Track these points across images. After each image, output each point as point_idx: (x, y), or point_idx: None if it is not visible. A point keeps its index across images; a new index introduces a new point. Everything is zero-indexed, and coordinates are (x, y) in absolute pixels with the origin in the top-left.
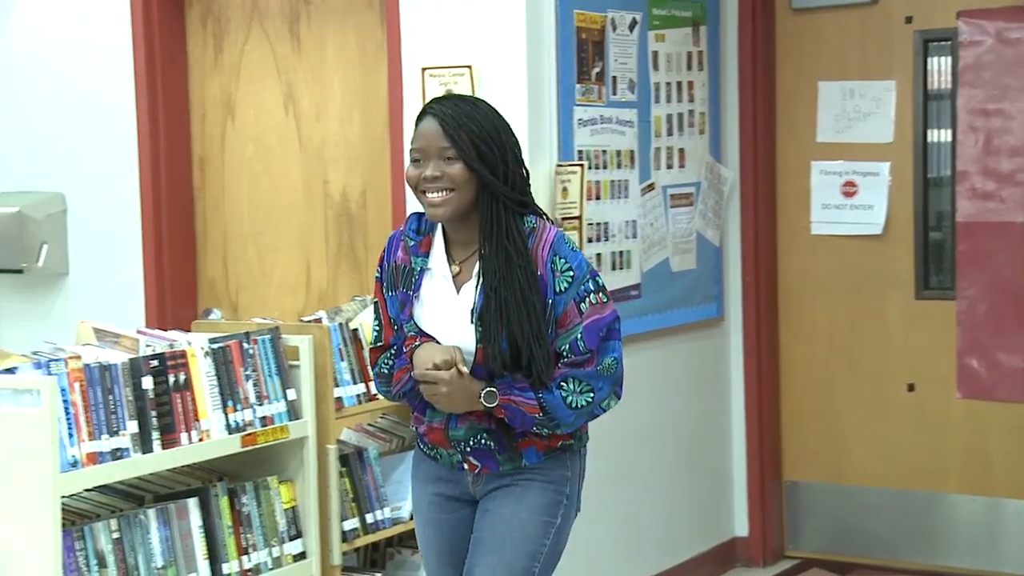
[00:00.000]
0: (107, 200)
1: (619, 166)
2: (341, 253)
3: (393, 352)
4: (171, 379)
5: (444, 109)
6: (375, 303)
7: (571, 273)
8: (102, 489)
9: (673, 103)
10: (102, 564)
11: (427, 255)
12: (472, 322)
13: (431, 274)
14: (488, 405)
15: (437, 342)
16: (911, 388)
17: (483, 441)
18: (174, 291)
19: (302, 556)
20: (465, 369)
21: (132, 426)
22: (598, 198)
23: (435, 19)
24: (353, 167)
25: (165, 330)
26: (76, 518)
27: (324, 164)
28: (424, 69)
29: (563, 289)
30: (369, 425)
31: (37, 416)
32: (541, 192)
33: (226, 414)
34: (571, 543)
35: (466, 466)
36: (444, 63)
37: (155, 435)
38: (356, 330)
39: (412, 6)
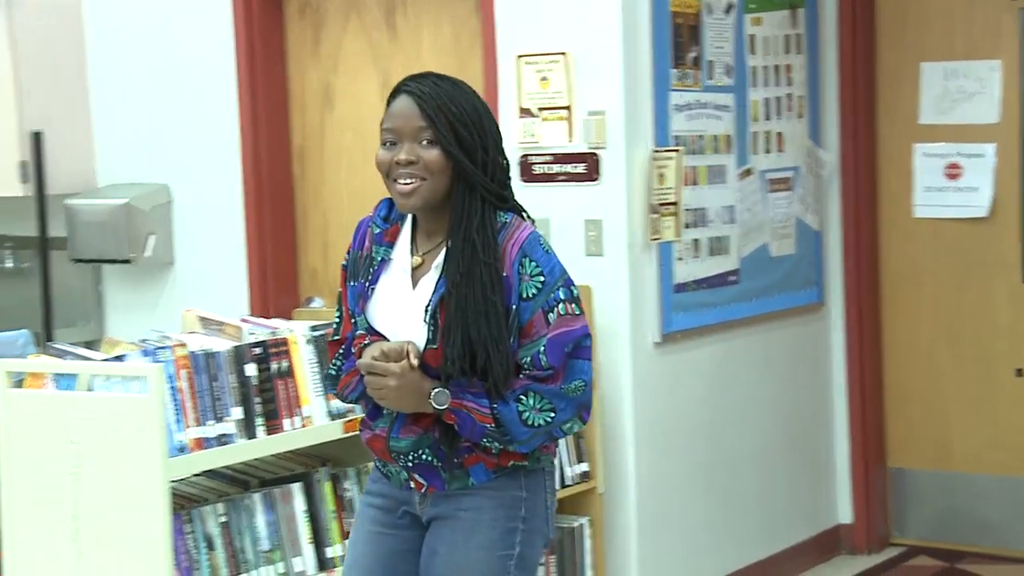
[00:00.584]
0: (210, 191)
1: (716, 151)
2: None
3: (342, 352)
4: (274, 366)
5: (422, 87)
6: (339, 294)
7: (541, 278)
8: (208, 474)
9: (771, 87)
10: (210, 547)
11: (391, 245)
12: (425, 320)
13: (390, 266)
14: (438, 407)
15: (388, 341)
16: (1020, 373)
17: (425, 456)
18: (276, 280)
19: None
20: (416, 362)
21: (237, 412)
22: (695, 184)
23: (530, 6)
24: None
25: (268, 318)
26: (185, 502)
27: None
28: (519, 57)
29: (531, 295)
30: None
31: (145, 402)
32: (637, 179)
33: (327, 400)
34: (671, 528)
35: (412, 484)
36: (539, 50)
37: (259, 421)
38: None
39: None
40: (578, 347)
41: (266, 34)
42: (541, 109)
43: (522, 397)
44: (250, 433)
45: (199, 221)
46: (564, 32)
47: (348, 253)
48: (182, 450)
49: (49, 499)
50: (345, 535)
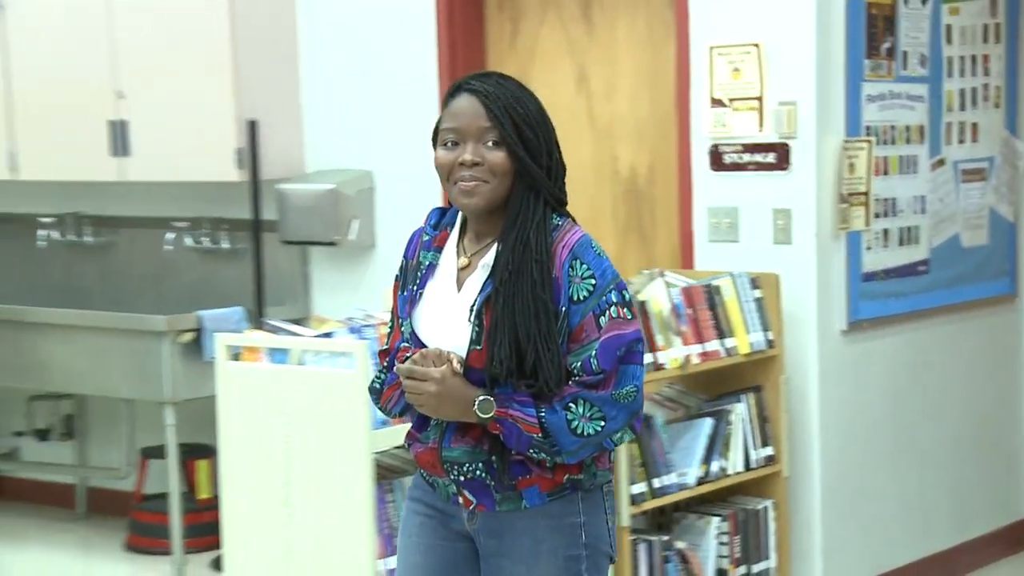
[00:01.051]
0: (410, 178)
1: (908, 141)
2: (629, 228)
3: (386, 365)
4: None
5: (487, 86)
6: (393, 305)
7: (593, 281)
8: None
9: (967, 77)
10: None
11: (439, 250)
12: (469, 320)
13: (436, 270)
14: (482, 416)
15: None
16: None
17: (479, 472)
18: None
19: None
20: (459, 368)
21: None
22: (886, 173)
23: None
24: (641, 144)
25: None
26: (387, 473)
27: (613, 141)
28: (712, 48)
29: (581, 298)
30: (656, 394)
31: (352, 377)
32: (828, 169)
33: None
34: (856, 514)
35: (461, 500)
36: (732, 41)
37: None
38: (644, 302)
39: None
40: (630, 352)
41: (466, 27)
42: (732, 100)
43: (571, 405)
44: None
45: (399, 206)
46: (757, 23)
47: (401, 263)
48: (385, 423)
49: (262, 465)
50: None
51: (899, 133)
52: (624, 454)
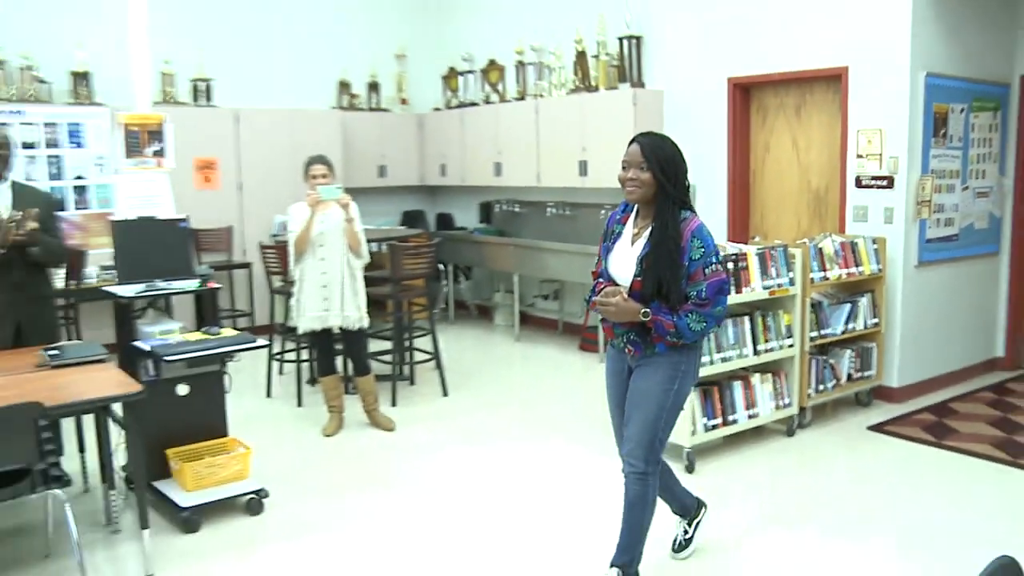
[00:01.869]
0: (708, 181)
1: (950, 177)
2: (814, 214)
3: (593, 286)
4: (741, 264)
5: (644, 140)
6: (599, 247)
7: (702, 249)
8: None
9: (981, 147)
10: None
11: (623, 224)
12: (637, 263)
13: (622, 236)
14: (643, 319)
15: (615, 286)
16: None
17: (633, 337)
18: (738, 228)
19: (790, 346)
20: (625, 295)
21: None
22: (938, 192)
23: None
24: (821, 175)
25: (736, 243)
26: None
27: (808, 173)
28: (858, 130)
29: (696, 258)
30: (826, 291)
31: None
32: (912, 188)
33: (762, 281)
34: (916, 352)
35: (627, 349)
36: (867, 127)
37: (733, 287)
38: (821, 247)
39: None
40: (721, 289)
41: (740, 115)
42: (867, 154)
43: (690, 315)
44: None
45: (704, 199)
46: (879, 119)
47: (604, 228)
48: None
49: None
50: (767, 339)
51: (947, 173)
52: (807, 317)
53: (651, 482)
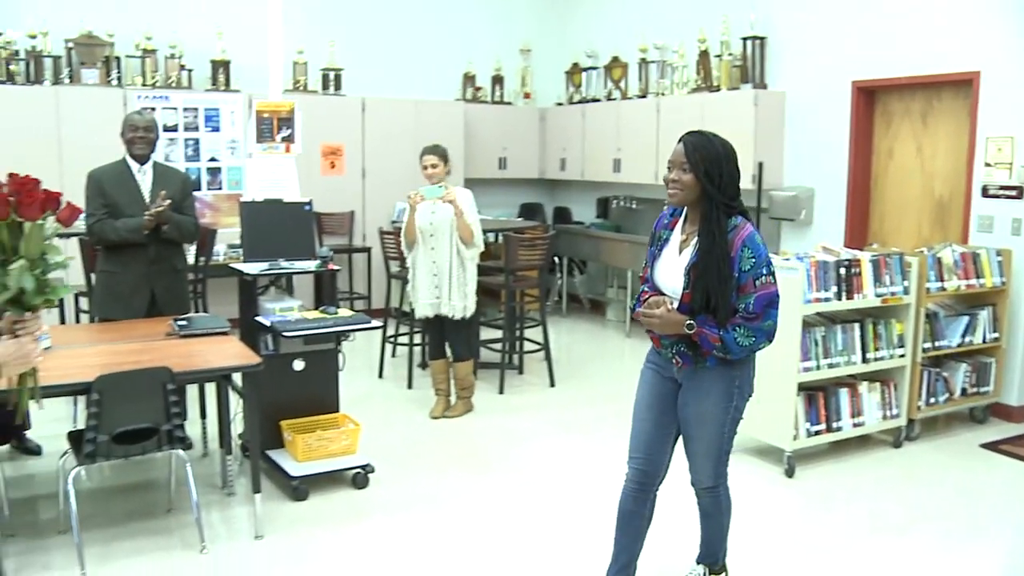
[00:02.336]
0: (830, 187)
1: None
2: (935, 222)
3: (640, 293)
4: (853, 270)
5: (688, 138)
6: (647, 252)
7: (753, 259)
8: (818, 315)
9: None
10: (823, 345)
11: (671, 229)
12: (684, 274)
13: (669, 242)
14: (688, 332)
15: (660, 295)
16: None
17: (682, 349)
18: (856, 233)
19: (901, 356)
20: (672, 307)
21: (833, 289)
22: None
23: None
24: (945, 183)
25: (851, 248)
26: (808, 327)
27: (932, 181)
28: (987, 137)
29: (747, 269)
30: (943, 301)
31: (798, 280)
32: None
33: (875, 288)
34: None
35: (675, 361)
36: (998, 134)
37: (843, 293)
38: (940, 257)
39: None
40: (771, 302)
41: (863, 120)
42: (996, 163)
43: (737, 329)
44: (839, 296)
45: (822, 203)
46: (1011, 126)
47: (652, 233)
48: (808, 302)
49: None
50: (876, 348)
51: None
52: (920, 326)
53: (722, 492)
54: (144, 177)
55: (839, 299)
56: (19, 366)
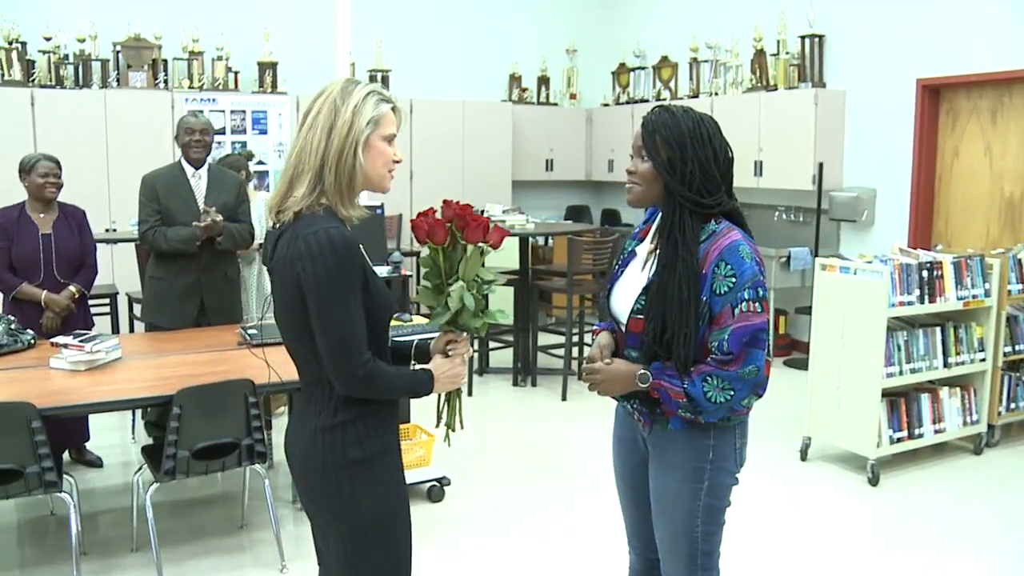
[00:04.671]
0: (894, 189)
1: None
2: (1006, 223)
3: (596, 326)
4: (934, 273)
5: (649, 116)
6: None
7: (733, 279)
8: (896, 319)
9: None
10: (907, 350)
11: (641, 240)
12: (640, 293)
13: (635, 255)
14: (642, 386)
15: (616, 324)
16: None
17: (637, 404)
18: (920, 234)
19: (982, 360)
20: (608, 361)
21: (915, 291)
22: None
23: None
24: (1016, 182)
25: (919, 248)
26: (889, 332)
27: (1001, 180)
28: None
29: (722, 292)
30: (1018, 305)
31: (880, 283)
32: None
33: (957, 291)
34: None
35: (635, 418)
36: None
37: (926, 295)
38: (1021, 260)
39: None
40: (754, 338)
41: (928, 118)
42: None
43: (707, 379)
44: (921, 300)
45: (885, 203)
46: None
47: (622, 246)
48: (892, 305)
49: (830, 327)
50: (958, 352)
51: None
52: (1002, 328)
53: None
54: (199, 182)
55: (921, 302)
56: (448, 384)
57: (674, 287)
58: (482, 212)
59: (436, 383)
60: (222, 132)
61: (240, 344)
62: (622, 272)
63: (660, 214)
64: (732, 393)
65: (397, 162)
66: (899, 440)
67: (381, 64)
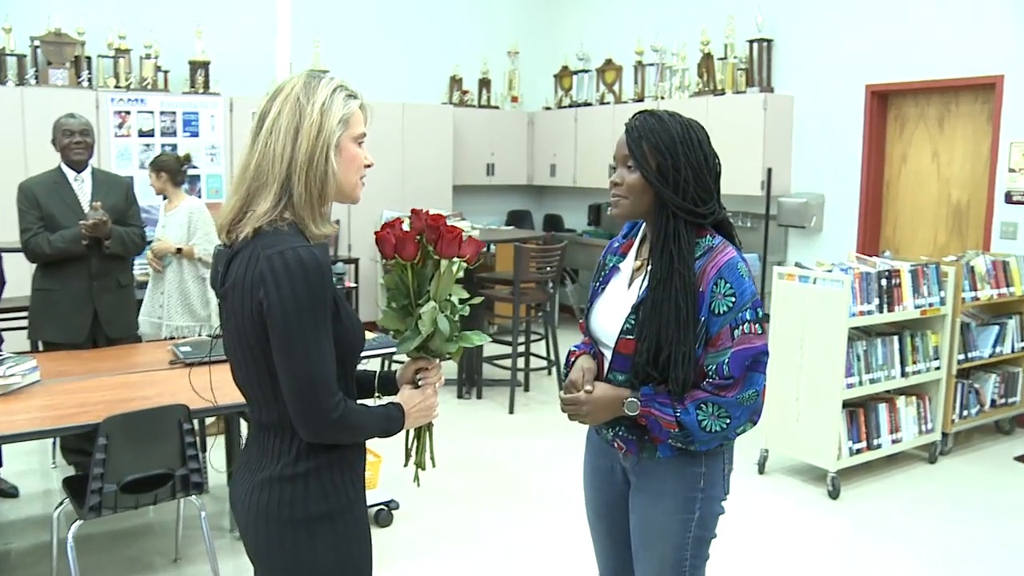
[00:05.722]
0: (842, 194)
1: None
2: (952, 230)
3: (574, 348)
4: (892, 281)
5: (633, 122)
6: None
7: (733, 299)
8: (857, 329)
9: None
10: (866, 360)
11: (623, 255)
12: (630, 312)
13: (619, 272)
14: (630, 413)
15: (595, 349)
16: None
17: (622, 432)
18: (868, 240)
19: (937, 368)
20: (589, 388)
21: (875, 301)
22: None
23: None
24: (963, 189)
25: (868, 255)
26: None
27: (948, 187)
28: (1011, 143)
29: (721, 312)
30: (972, 310)
31: (840, 293)
32: None
33: (914, 300)
34: None
35: (617, 445)
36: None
37: (884, 305)
38: (973, 266)
39: None
40: (756, 362)
41: (877, 124)
42: (1020, 168)
43: (702, 406)
44: (880, 309)
45: (834, 209)
46: None
47: (598, 262)
48: (853, 315)
49: (790, 332)
50: (915, 362)
51: None
52: (956, 337)
53: None
54: (82, 186)
55: (880, 311)
56: (420, 418)
57: (670, 304)
58: None
59: (407, 418)
60: (151, 135)
61: (172, 363)
62: (603, 289)
63: (644, 226)
64: (728, 421)
65: (368, 167)
66: (858, 451)
67: (319, 64)
